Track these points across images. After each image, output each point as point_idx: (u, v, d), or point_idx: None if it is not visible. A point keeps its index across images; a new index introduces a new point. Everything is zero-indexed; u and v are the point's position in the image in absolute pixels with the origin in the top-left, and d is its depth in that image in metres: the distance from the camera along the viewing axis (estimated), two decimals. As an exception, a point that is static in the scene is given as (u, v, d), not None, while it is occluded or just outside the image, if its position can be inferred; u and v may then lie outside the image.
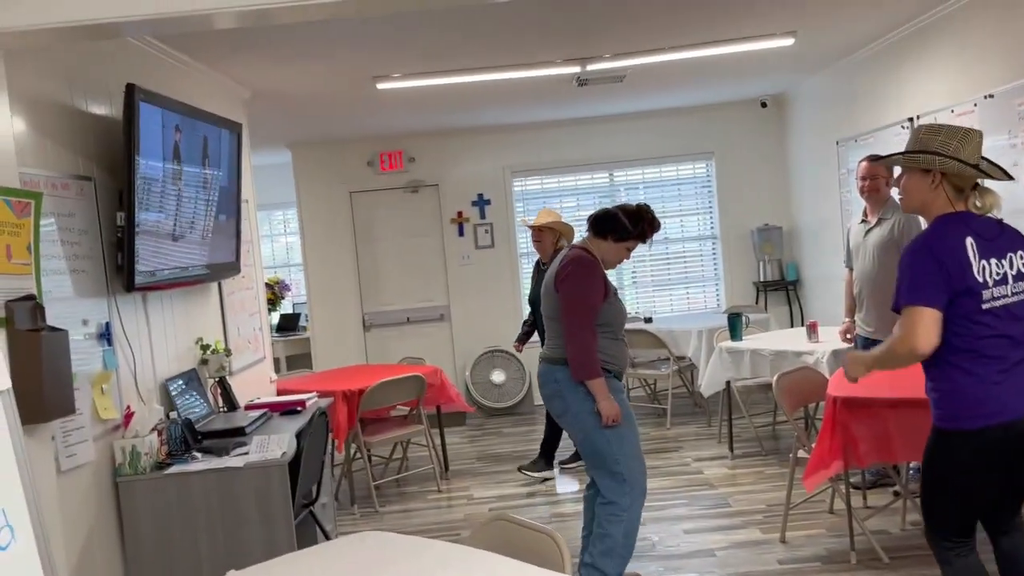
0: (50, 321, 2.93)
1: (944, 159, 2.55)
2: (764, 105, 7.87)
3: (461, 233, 8.01)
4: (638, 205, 3.71)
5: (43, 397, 2.43)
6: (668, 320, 7.41)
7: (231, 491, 3.39)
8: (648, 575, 4.00)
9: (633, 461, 3.56)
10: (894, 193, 4.62)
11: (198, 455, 3.54)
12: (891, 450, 3.62)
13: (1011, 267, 2.54)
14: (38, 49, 3.13)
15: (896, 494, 4.50)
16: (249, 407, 4.41)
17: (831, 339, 5.14)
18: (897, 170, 2.75)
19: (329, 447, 4.60)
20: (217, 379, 4.36)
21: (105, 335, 3.38)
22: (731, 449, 5.82)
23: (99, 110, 3.56)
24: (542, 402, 3.78)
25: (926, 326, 2.47)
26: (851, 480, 4.69)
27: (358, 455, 5.49)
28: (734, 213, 8.03)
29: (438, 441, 6.07)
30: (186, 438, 3.63)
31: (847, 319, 4.93)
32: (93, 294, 3.34)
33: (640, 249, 3.82)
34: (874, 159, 4.61)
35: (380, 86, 5.42)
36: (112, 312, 3.47)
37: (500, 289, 8.02)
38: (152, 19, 2.66)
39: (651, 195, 8.13)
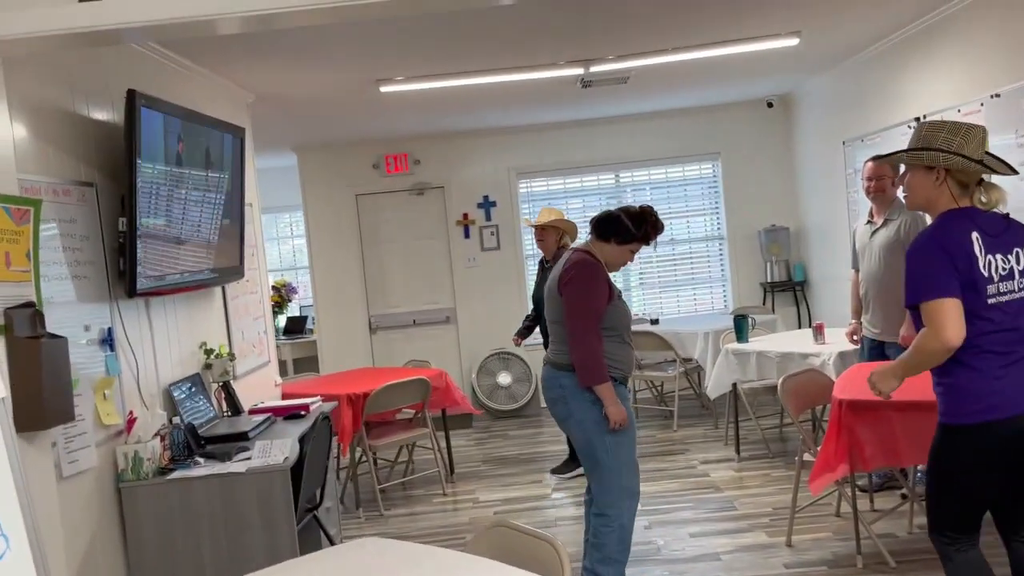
0: (52, 327, 2.93)
1: (947, 155, 2.53)
2: (770, 105, 7.84)
3: (467, 235, 8.00)
4: (641, 207, 3.68)
5: (42, 404, 2.43)
6: (675, 322, 7.39)
7: (234, 496, 3.38)
8: (653, 579, 3.99)
9: (629, 472, 3.54)
10: (900, 193, 4.61)
11: (201, 460, 3.54)
12: (897, 454, 3.59)
13: (1018, 262, 2.53)
14: (38, 56, 3.13)
15: (903, 497, 4.47)
16: (253, 411, 4.41)
17: (838, 341, 5.11)
18: (902, 168, 2.73)
19: (333, 451, 4.59)
20: (221, 383, 4.36)
21: (107, 340, 3.38)
22: (738, 452, 5.79)
23: (101, 115, 3.56)
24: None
25: (952, 317, 2.45)
26: (858, 483, 4.68)
27: (364, 458, 5.49)
28: (741, 214, 8.00)
29: (443, 444, 6.07)
30: (189, 443, 3.63)
31: (853, 321, 4.90)
32: (95, 300, 3.34)
33: (647, 250, 3.80)
34: (879, 159, 4.58)
35: (383, 89, 5.42)
36: (114, 317, 3.47)
37: (506, 291, 8.00)
38: (154, 25, 2.64)
39: (657, 196, 8.11)
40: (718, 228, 8.15)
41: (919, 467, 4.31)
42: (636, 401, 7.26)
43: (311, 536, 4.15)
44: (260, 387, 5.11)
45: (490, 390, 7.92)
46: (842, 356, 4.87)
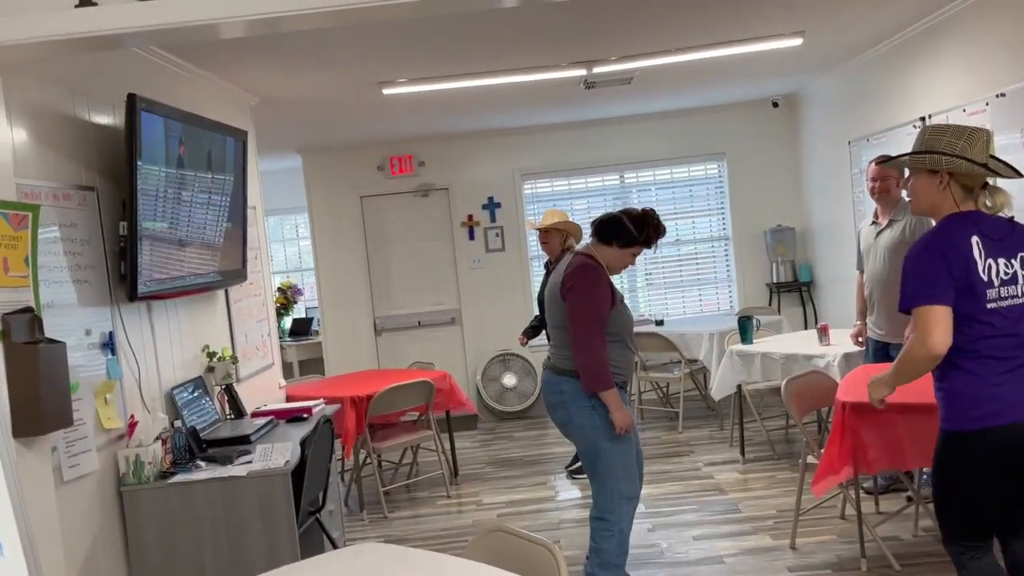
0: (52, 332, 2.94)
1: (951, 159, 2.51)
2: (776, 105, 7.81)
3: (472, 237, 7.99)
4: (643, 209, 3.66)
5: (40, 409, 2.43)
6: (680, 322, 7.37)
7: (234, 500, 3.38)
8: (656, 582, 3.97)
9: (628, 477, 3.53)
10: (905, 194, 4.58)
11: (202, 464, 3.54)
12: (901, 456, 3.57)
13: (1022, 266, 2.51)
14: (39, 60, 3.14)
15: (909, 499, 4.44)
16: (256, 414, 4.41)
17: (842, 342, 5.08)
18: (907, 171, 2.71)
19: (336, 454, 4.59)
20: (224, 386, 4.36)
21: (108, 344, 3.38)
22: (742, 453, 5.77)
23: (102, 120, 3.57)
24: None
25: (940, 325, 2.44)
26: (864, 485, 4.66)
27: (368, 461, 5.49)
28: (746, 214, 7.97)
29: (447, 446, 6.06)
30: (191, 447, 3.64)
31: (858, 322, 4.87)
32: (96, 303, 3.35)
33: (652, 251, 3.77)
34: (883, 160, 4.56)
35: (386, 91, 5.42)
36: (116, 321, 3.47)
37: (511, 292, 7.99)
38: (156, 30, 2.64)
39: (662, 196, 8.09)
40: (723, 228, 8.12)
41: (924, 470, 4.29)
42: (641, 402, 7.24)
43: (314, 539, 4.15)
44: (264, 389, 5.12)
45: (495, 391, 7.91)
46: (847, 357, 4.84)
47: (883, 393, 2.72)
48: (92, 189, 3.42)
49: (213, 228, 4.16)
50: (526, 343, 6.06)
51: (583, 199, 8.12)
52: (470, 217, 7.97)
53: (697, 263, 8.18)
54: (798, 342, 5.54)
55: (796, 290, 7.82)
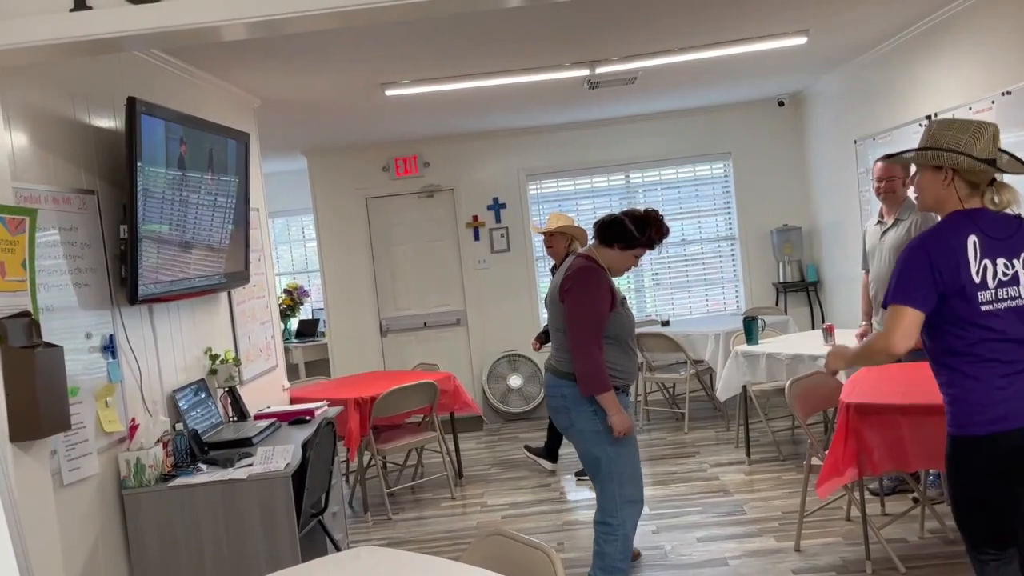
0: (52, 335, 2.95)
1: (954, 155, 2.46)
2: (781, 104, 7.78)
3: (477, 237, 7.98)
4: (645, 210, 3.63)
5: (37, 413, 2.43)
6: (686, 323, 7.34)
7: (235, 503, 3.38)
8: (659, 585, 3.95)
9: (631, 480, 3.50)
10: (911, 193, 4.54)
11: (203, 467, 3.54)
12: (906, 458, 3.54)
13: None
14: (39, 64, 3.14)
15: (915, 501, 4.41)
16: (259, 416, 4.42)
17: (848, 342, 5.04)
18: (913, 168, 2.68)
19: (339, 456, 4.59)
20: (226, 389, 4.37)
21: (109, 348, 3.39)
22: (748, 454, 5.74)
23: (102, 123, 3.57)
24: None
25: (905, 327, 2.42)
26: (870, 486, 4.63)
27: (372, 462, 5.49)
28: (753, 213, 7.93)
29: (452, 447, 6.06)
30: (192, 449, 3.64)
31: (864, 322, 4.84)
32: (97, 307, 3.35)
33: (656, 252, 3.74)
34: (887, 158, 4.53)
35: (389, 92, 5.42)
36: (116, 324, 3.48)
37: (516, 293, 7.98)
38: (157, 33, 2.62)
39: (668, 196, 8.06)
40: (730, 228, 8.09)
41: (931, 471, 4.25)
42: (647, 403, 7.22)
43: (316, 542, 4.15)
44: (268, 391, 5.12)
45: (501, 392, 7.90)
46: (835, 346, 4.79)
47: (839, 366, 2.75)
48: (92, 192, 3.43)
49: (215, 230, 4.17)
50: (539, 348, 6.07)
51: (588, 199, 8.10)
52: (475, 218, 7.97)
53: (703, 263, 8.15)
54: (804, 342, 5.51)
55: (803, 290, 7.78)
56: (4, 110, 2.92)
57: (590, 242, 3.70)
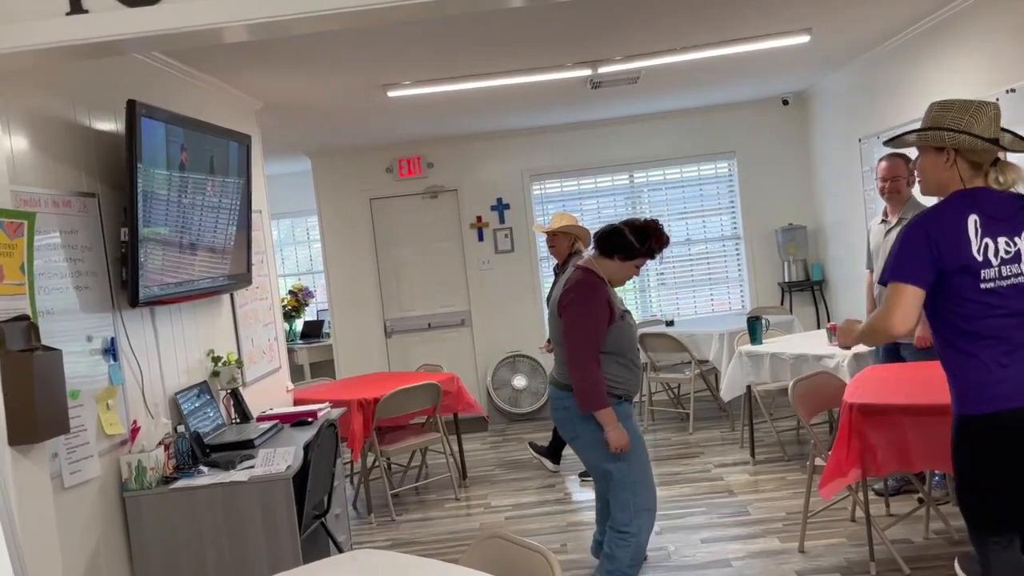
0: (53, 338, 2.95)
1: (955, 134, 2.43)
2: (786, 103, 7.75)
3: (481, 238, 7.98)
4: (646, 220, 3.60)
5: (36, 417, 2.44)
6: (691, 323, 7.32)
7: (236, 505, 3.39)
8: (662, 586, 3.94)
9: (642, 488, 3.49)
10: (915, 192, 4.52)
11: (204, 469, 3.54)
12: (909, 458, 3.52)
13: None
14: (39, 67, 3.14)
15: (920, 501, 4.39)
16: (261, 418, 4.42)
17: (852, 342, 5.01)
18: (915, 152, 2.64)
19: (342, 457, 4.59)
20: (229, 391, 4.37)
21: (110, 350, 3.39)
22: (752, 455, 5.72)
23: (103, 126, 3.58)
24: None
25: (905, 304, 2.40)
26: (875, 487, 4.60)
27: (376, 464, 5.48)
28: (757, 213, 7.91)
29: (456, 448, 6.05)
30: (194, 452, 3.64)
31: (868, 321, 4.81)
32: (98, 310, 3.36)
33: (657, 262, 3.72)
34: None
35: (390, 94, 5.41)
36: (118, 327, 3.48)
37: (521, 293, 7.97)
38: (154, 36, 2.62)
39: (672, 196, 8.04)
40: (734, 228, 8.06)
41: (936, 471, 4.23)
42: (652, 403, 7.21)
43: (319, 543, 4.15)
44: (271, 393, 5.13)
45: (505, 393, 7.89)
46: (857, 358, 4.78)
47: (848, 342, 2.73)
48: (93, 195, 3.43)
49: (216, 232, 4.17)
50: (551, 350, 6.04)
51: (592, 199, 8.09)
52: (479, 218, 7.96)
53: (708, 263, 8.13)
54: (808, 342, 5.49)
55: (808, 289, 7.75)
56: (4, 113, 2.92)
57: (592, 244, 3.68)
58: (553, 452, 6.03)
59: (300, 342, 8.83)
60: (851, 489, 3.95)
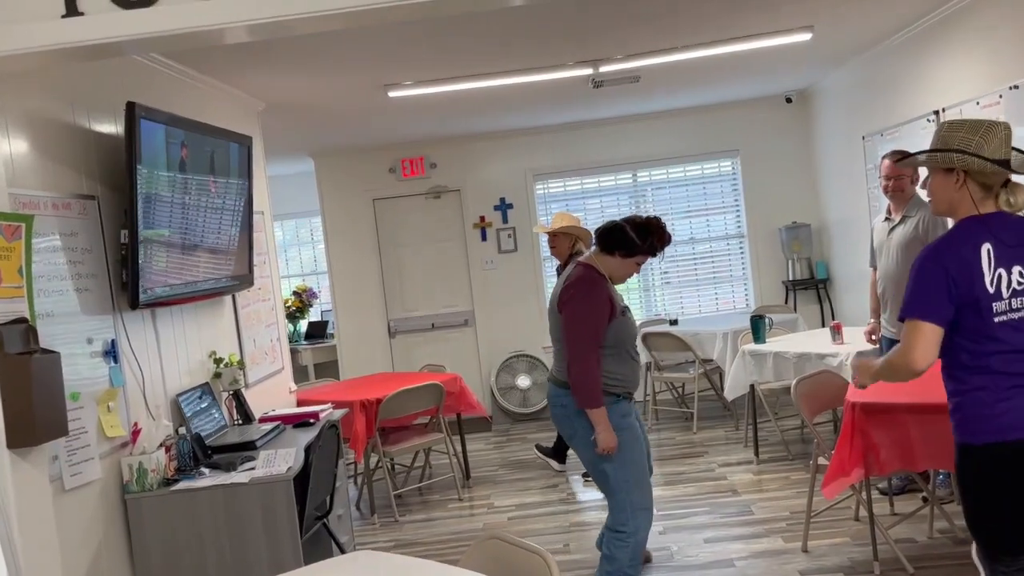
0: (53, 341, 2.96)
1: (964, 156, 2.39)
2: (789, 101, 7.73)
3: (484, 238, 7.97)
4: (647, 217, 3.59)
5: (33, 420, 2.44)
6: (695, 321, 7.30)
7: (237, 507, 3.38)
8: (665, 586, 3.93)
9: (637, 487, 3.48)
10: (919, 190, 4.50)
11: (205, 471, 3.54)
12: (913, 457, 3.50)
13: None
14: (39, 70, 3.15)
15: (924, 500, 4.36)
16: (263, 419, 4.42)
17: (856, 341, 5.00)
18: (921, 170, 2.62)
19: (345, 458, 4.59)
20: (231, 392, 4.37)
21: (111, 352, 3.39)
22: (756, 454, 5.70)
23: (103, 128, 3.58)
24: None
25: (924, 342, 2.36)
26: (879, 486, 4.58)
27: (379, 464, 5.48)
28: (761, 211, 7.88)
29: (459, 448, 6.05)
30: (195, 453, 3.64)
31: (872, 320, 4.80)
32: (98, 312, 3.36)
33: (668, 249, 3.70)
34: (897, 158, 4.47)
35: (391, 94, 5.41)
36: (119, 329, 3.48)
37: (524, 293, 7.96)
38: (154, 37, 2.62)
39: (676, 194, 8.02)
40: (738, 226, 8.04)
41: (940, 471, 4.21)
42: (656, 403, 7.19)
43: (321, 544, 4.15)
44: (274, 394, 5.13)
45: (509, 393, 7.89)
46: (860, 356, 4.76)
47: (867, 381, 2.68)
48: (93, 198, 3.44)
49: (218, 234, 4.17)
50: None
51: (596, 198, 8.07)
52: (482, 218, 7.95)
53: (712, 261, 8.11)
54: (811, 341, 5.47)
55: (813, 287, 7.73)
56: (2, 116, 2.92)
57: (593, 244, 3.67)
58: (557, 452, 6.03)
59: (304, 343, 8.83)
60: (855, 488, 3.93)
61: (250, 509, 3.38)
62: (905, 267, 4.38)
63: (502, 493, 5.64)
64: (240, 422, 4.38)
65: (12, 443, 2.41)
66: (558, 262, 5.67)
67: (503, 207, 7.95)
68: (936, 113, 5.21)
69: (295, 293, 8.95)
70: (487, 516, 5.20)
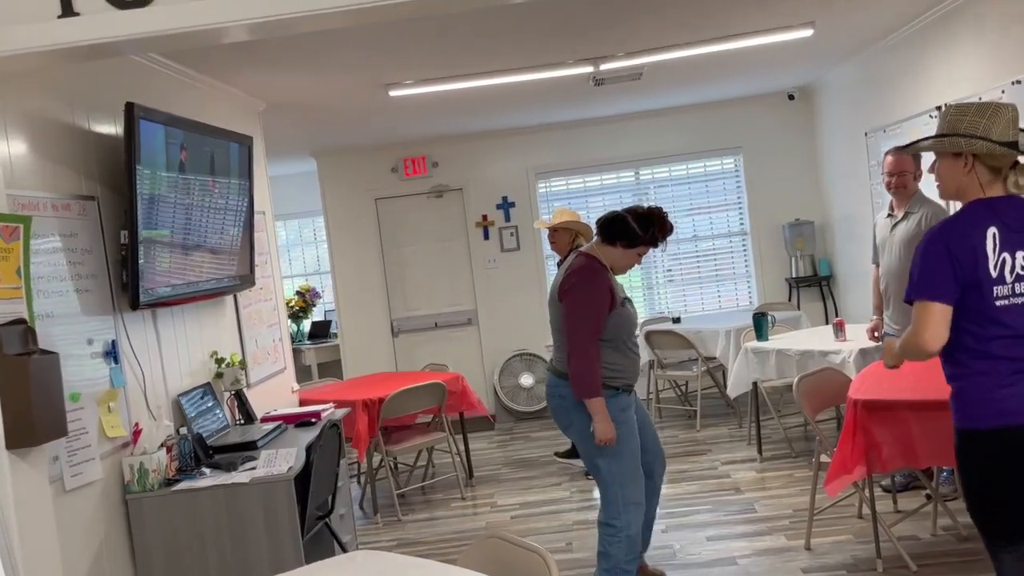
0: (53, 342, 2.96)
1: (972, 140, 2.38)
2: (792, 97, 7.70)
3: (486, 237, 7.96)
4: (649, 208, 3.58)
5: (32, 421, 2.44)
6: (698, 319, 7.29)
7: (238, 507, 3.38)
8: (667, 585, 3.92)
9: (633, 482, 3.47)
10: (922, 187, 4.48)
11: (206, 471, 3.54)
12: (915, 454, 3.49)
13: None
14: (38, 71, 3.15)
15: (928, 497, 4.35)
16: (265, 419, 4.42)
17: (858, 338, 4.99)
18: (929, 159, 2.60)
19: (348, 457, 4.58)
20: (233, 392, 4.37)
21: (111, 353, 3.39)
22: (759, 452, 5.69)
23: (102, 129, 3.58)
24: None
25: (935, 323, 2.35)
26: (882, 483, 4.57)
27: (382, 464, 5.48)
28: (764, 208, 7.86)
29: (462, 447, 6.04)
30: (196, 453, 3.64)
31: (875, 317, 4.78)
32: (99, 312, 3.36)
33: (671, 247, 3.69)
34: (903, 149, 4.45)
35: (392, 93, 5.40)
36: (119, 330, 3.48)
37: (527, 292, 7.96)
38: (150, 37, 2.62)
39: (679, 192, 8.01)
40: (741, 223, 8.02)
41: (944, 467, 4.19)
42: (659, 401, 7.18)
43: (323, 544, 4.14)
44: (276, 394, 5.13)
45: (512, 392, 7.88)
46: (863, 353, 4.75)
47: (892, 361, 2.64)
48: (93, 198, 3.44)
49: (218, 234, 4.17)
50: None
51: (598, 196, 8.06)
52: (484, 217, 7.95)
53: (715, 259, 8.09)
54: (814, 338, 5.45)
55: (816, 285, 7.71)
56: (1, 117, 2.93)
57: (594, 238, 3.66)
58: (575, 451, 5.96)
59: (307, 343, 8.84)
60: (858, 486, 3.92)
61: (251, 509, 3.38)
62: (907, 263, 4.33)
63: (505, 492, 5.63)
64: (242, 422, 4.38)
65: (11, 444, 2.42)
66: (559, 260, 5.66)
67: (505, 206, 7.94)
68: (939, 108, 5.19)
69: (298, 293, 8.95)
70: (490, 515, 5.19)
